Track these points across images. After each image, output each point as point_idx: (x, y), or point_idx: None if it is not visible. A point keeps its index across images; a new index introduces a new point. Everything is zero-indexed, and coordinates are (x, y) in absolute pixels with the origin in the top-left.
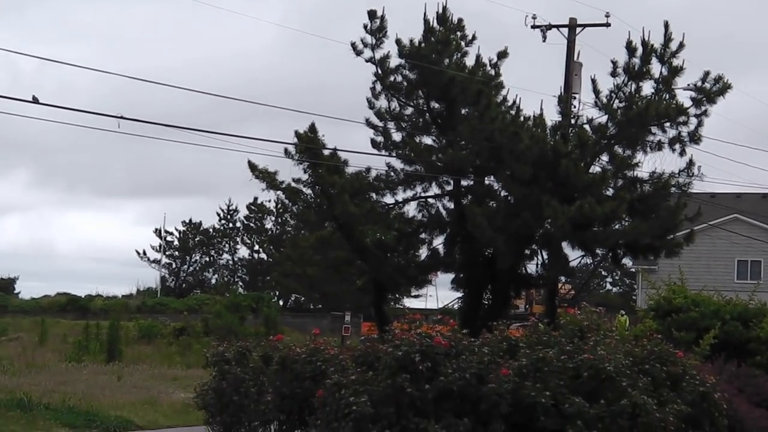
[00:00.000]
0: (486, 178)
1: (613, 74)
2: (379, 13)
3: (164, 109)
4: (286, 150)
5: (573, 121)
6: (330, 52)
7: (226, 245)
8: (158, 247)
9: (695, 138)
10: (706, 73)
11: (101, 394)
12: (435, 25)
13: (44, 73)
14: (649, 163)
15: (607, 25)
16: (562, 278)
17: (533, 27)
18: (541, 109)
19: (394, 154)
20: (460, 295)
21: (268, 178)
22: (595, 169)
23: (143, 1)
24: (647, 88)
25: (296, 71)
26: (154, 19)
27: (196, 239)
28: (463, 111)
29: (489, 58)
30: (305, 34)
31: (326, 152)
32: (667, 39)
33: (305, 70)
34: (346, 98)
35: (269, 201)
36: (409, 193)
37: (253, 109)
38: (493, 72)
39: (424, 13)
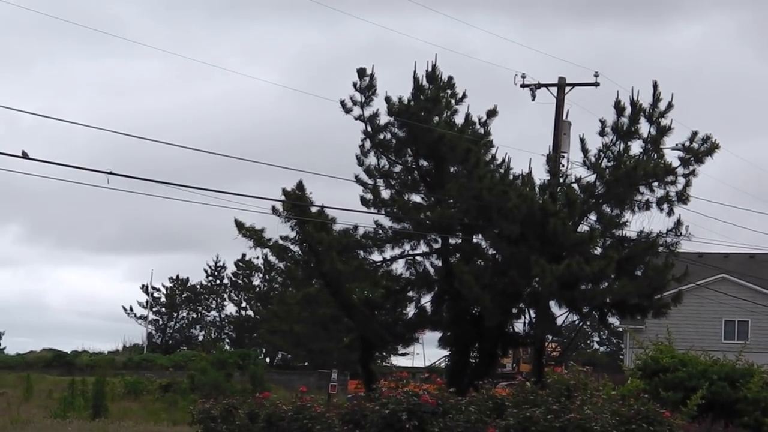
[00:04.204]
0: (474, 237)
1: (602, 133)
2: (369, 71)
3: (158, 164)
4: (273, 208)
5: (561, 180)
6: (321, 109)
7: (213, 302)
8: (145, 303)
9: (683, 198)
10: (694, 133)
11: None
12: (424, 83)
13: (40, 127)
14: (637, 223)
15: (596, 84)
16: (549, 337)
17: (522, 86)
18: (530, 168)
19: (382, 212)
20: (447, 353)
21: (255, 235)
22: (583, 228)
23: (142, 56)
24: (635, 147)
25: (287, 128)
26: (150, 76)
27: (183, 295)
28: (451, 169)
29: (478, 116)
30: (297, 92)
31: (314, 209)
32: (656, 99)
33: (296, 128)
34: (337, 155)
35: (257, 258)
36: (397, 251)
37: (244, 165)
38: (482, 130)
39: (414, 71)
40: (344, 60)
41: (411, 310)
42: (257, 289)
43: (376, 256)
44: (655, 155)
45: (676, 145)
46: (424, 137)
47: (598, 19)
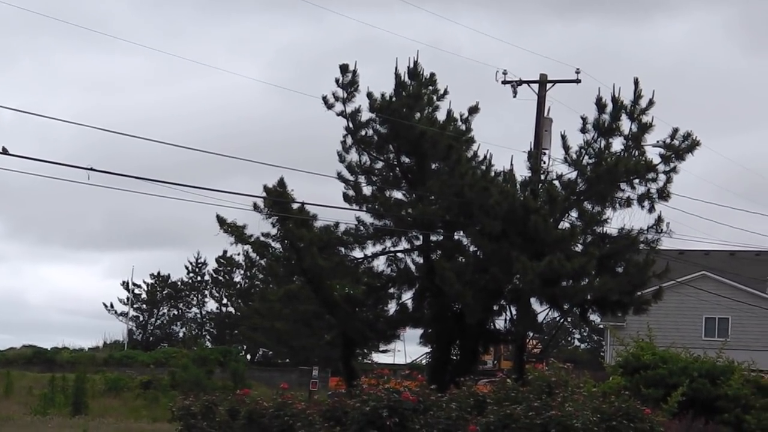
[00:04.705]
0: (455, 233)
1: (583, 130)
2: (351, 67)
3: (141, 161)
4: (255, 204)
5: (543, 177)
6: (304, 105)
7: (194, 298)
8: (125, 300)
9: (664, 195)
10: (675, 130)
11: None
12: (406, 79)
13: (23, 124)
14: (618, 220)
15: (578, 81)
16: (530, 334)
17: (504, 83)
18: (511, 165)
19: (364, 209)
20: (428, 350)
21: (236, 232)
22: (565, 224)
23: (126, 52)
24: (617, 144)
25: (271, 125)
26: (134, 72)
27: (164, 292)
28: (433, 166)
29: (460, 112)
30: (280, 88)
31: (295, 206)
32: (637, 96)
33: (280, 124)
34: (320, 152)
35: (238, 254)
36: (379, 248)
37: (227, 162)
38: (464, 127)
39: (396, 68)
40: (328, 56)
41: (392, 307)
42: (238, 285)
43: (358, 253)
44: (636, 152)
45: (657, 142)
46: (406, 133)
47: (582, 15)
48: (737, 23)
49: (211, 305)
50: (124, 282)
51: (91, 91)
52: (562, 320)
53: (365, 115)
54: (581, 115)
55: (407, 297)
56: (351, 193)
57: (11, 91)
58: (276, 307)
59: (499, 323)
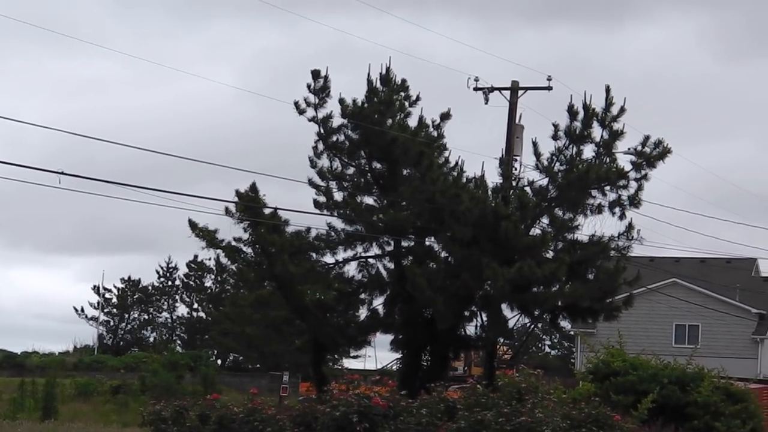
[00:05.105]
0: (426, 239)
1: (555, 137)
2: (323, 73)
3: (114, 165)
4: (226, 209)
5: (514, 184)
6: (277, 111)
7: (165, 303)
8: (96, 304)
9: (635, 202)
10: (646, 138)
11: None
12: (378, 85)
13: None
14: (589, 226)
15: (549, 88)
16: (501, 340)
17: (476, 89)
18: (483, 171)
19: (335, 214)
20: (399, 355)
21: (208, 236)
22: (536, 231)
23: (98, 57)
24: (588, 151)
25: (244, 130)
26: (107, 77)
27: (135, 296)
28: (404, 172)
29: (432, 119)
30: (254, 94)
31: (267, 211)
32: (609, 103)
33: (253, 129)
34: (292, 157)
35: (209, 259)
36: (350, 253)
37: (199, 167)
38: (435, 133)
39: (368, 74)
40: (302, 62)
41: (363, 313)
42: (209, 290)
43: (329, 258)
44: (608, 159)
45: (629, 149)
46: (377, 139)
47: (555, 22)
48: (711, 31)
49: (182, 310)
50: (94, 286)
51: (65, 96)
52: (532, 326)
53: (337, 121)
54: (553, 122)
55: (378, 303)
56: (322, 198)
57: None
58: (247, 312)
59: (470, 329)
